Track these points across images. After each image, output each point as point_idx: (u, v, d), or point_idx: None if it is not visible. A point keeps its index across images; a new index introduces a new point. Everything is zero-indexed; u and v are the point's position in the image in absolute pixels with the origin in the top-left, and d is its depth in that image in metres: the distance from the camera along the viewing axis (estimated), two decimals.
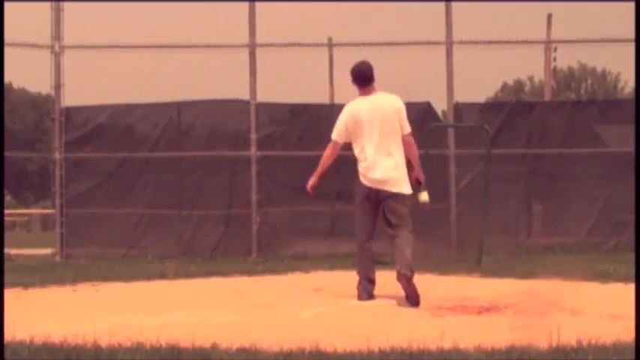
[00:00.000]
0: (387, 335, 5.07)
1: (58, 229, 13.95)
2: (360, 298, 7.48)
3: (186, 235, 13.98)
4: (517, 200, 14.18)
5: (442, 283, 9.00)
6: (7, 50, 12.78)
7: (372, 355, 4.66)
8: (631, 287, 7.41)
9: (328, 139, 7.80)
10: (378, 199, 7.49)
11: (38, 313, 6.99)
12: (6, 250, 12.52)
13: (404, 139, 7.52)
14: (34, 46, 14.17)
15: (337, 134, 7.73)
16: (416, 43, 14.51)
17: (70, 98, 14.31)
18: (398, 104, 7.59)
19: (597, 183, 13.99)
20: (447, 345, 4.84)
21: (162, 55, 14.78)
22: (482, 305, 7.00)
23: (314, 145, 11.67)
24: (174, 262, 12.06)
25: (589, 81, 60.05)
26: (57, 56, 13.93)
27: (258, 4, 14.23)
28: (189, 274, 10.52)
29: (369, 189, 7.50)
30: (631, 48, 12.99)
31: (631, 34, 12.81)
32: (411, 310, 6.85)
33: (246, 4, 14.18)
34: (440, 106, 14.82)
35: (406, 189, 7.49)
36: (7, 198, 44.13)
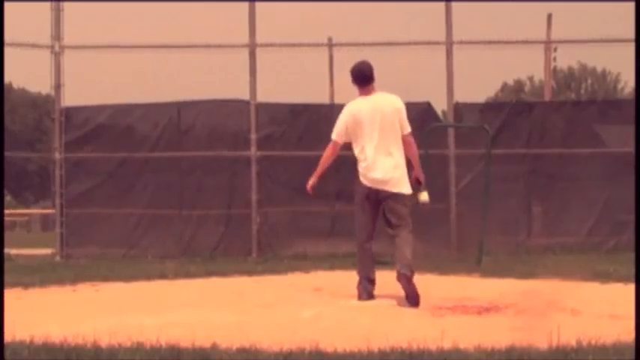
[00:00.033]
0: (387, 335, 5.07)
1: (58, 229, 13.94)
2: (360, 298, 7.47)
3: (186, 235, 13.97)
4: (517, 200, 14.16)
5: (442, 283, 8.99)
6: (7, 50, 12.78)
7: (372, 355, 4.66)
8: (631, 287, 7.40)
9: (328, 139, 7.79)
10: (378, 199, 7.49)
11: (38, 313, 6.98)
12: (6, 250, 12.51)
13: (404, 139, 7.52)
14: (34, 46, 14.15)
15: (337, 134, 7.73)
16: (416, 43, 14.50)
17: (70, 98, 14.33)
18: (398, 104, 7.59)
19: (597, 183, 13.97)
20: (447, 345, 4.83)
21: (163, 55, 14.79)
22: (482, 305, 6.99)
23: (314, 145, 11.66)
24: (174, 262, 12.05)
25: (589, 81, 60.00)
26: (57, 56, 13.92)
27: (258, 4, 14.21)
28: (189, 274, 10.50)
29: (369, 189, 7.49)
30: (631, 48, 12.99)
31: (631, 34, 12.81)
32: (411, 310, 6.84)
33: (246, 4, 14.16)
34: (440, 106, 14.84)
35: (406, 189, 7.49)
36: (7, 198, 44.10)
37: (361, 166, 7.52)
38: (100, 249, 13.66)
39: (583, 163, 14.02)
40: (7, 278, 8.70)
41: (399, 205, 7.44)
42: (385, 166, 7.43)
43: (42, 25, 14.15)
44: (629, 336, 4.95)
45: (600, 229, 13.89)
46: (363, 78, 7.66)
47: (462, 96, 14.52)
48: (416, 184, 7.62)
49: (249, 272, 10.88)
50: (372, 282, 7.53)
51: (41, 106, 51.65)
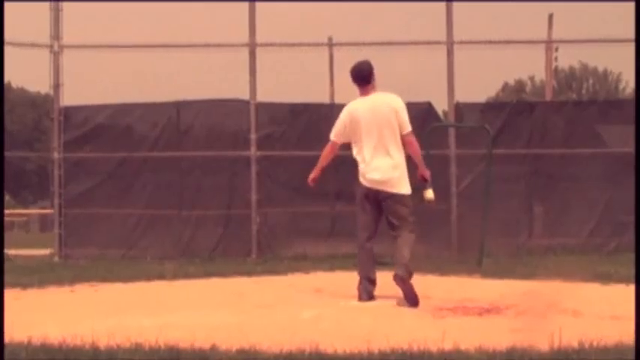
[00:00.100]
0: (387, 336, 5.05)
1: (57, 229, 13.90)
2: (360, 298, 7.46)
3: (186, 235, 13.92)
4: (518, 201, 14.13)
5: (443, 284, 8.99)
6: (5, 49, 12.72)
7: (372, 356, 4.64)
8: (633, 288, 7.36)
9: (328, 139, 7.80)
10: (378, 200, 7.47)
11: (36, 313, 6.97)
12: (4, 251, 12.46)
13: (404, 138, 7.48)
14: (33, 45, 14.09)
15: (335, 134, 7.75)
16: (416, 43, 14.46)
17: (69, 98, 14.29)
18: (395, 104, 7.54)
19: (599, 184, 13.92)
20: (447, 346, 4.81)
21: (162, 54, 14.76)
22: (483, 306, 6.97)
23: (314, 145, 11.60)
24: (173, 262, 12.01)
25: (590, 81, 59.96)
26: (56, 56, 13.87)
27: (258, 4, 14.17)
28: (188, 275, 10.48)
29: (369, 189, 7.50)
30: (633, 48, 12.95)
31: (633, 33, 12.77)
32: (411, 311, 6.83)
33: (246, 4, 14.11)
34: (440, 106, 14.77)
35: (406, 189, 7.47)
36: (6, 198, 44.00)
37: (360, 167, 7.51)
38: (99, 249, 13.61)
39: (584, 164, 13.98)
40: (5, 279, 8.64)
41: (399, 206, 7.44)
42: (383, 166, 7.41)
43: (41, 24, 14.13)
44: (631, 337, 4.92)
45: (602, 230, 13.85)
46: (362, 78, 7.64)
47: (462, 96, 14.50)
48: (421, 182, 7.58)
49: (249, 273, 10.85)
50: (372, 282, 7.52)
51: (40, 105, 51.67)
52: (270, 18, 15.65)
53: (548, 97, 16.45)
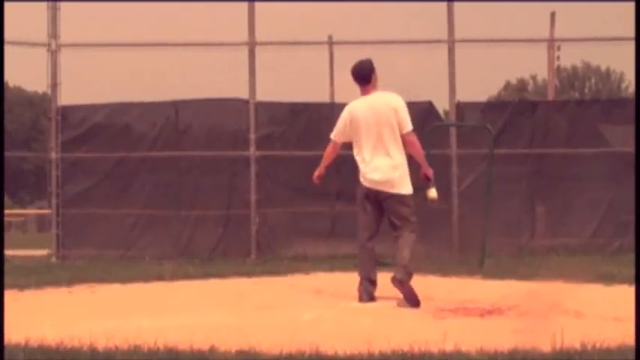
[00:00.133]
0: (388, 338, 5.02)
1: (54, 229, 13.86)
2: (360, 299, 7.43)
3: (184, 236, 13.88)
4: (520, 201, 14.11)
5: (444, 285, 8.98)
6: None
7: (372, 357, 4.62)
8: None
9: (328, 139, 7.83)
10: (379, 200, 7.45)
11: (34, 315, 6.95)
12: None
13: (404, 138, 7.44)
14: (30, 44, 14.08)
15: (335, 134, 7.77)
16: (417, 42, 14.48)
17: (67, 97, 14.25)
18: (394, 103, 7.49)
19: (601, 183, 13.90)
20: (448, 348, 4.79)
21: (160, 53, 14.79)
22: (484, 307, 6.93)
23: (314, 144, 11.60)
24: (171, 263, 11.98)
25: (593, 80, 59.93)
26: (53, 55, 13.82)
27: (257, 2, 14.12)
28: (187, 276, 10.46)
29: (369, 189, 7.48)
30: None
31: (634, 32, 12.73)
32: (412, 312, 6.82)
33: (245, 2, 14.07)
34: (442, 105, 14.73)
35: (406, 189, 7.45)
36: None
37: (360, 167, 7.50)
38: (97, 250, 13.57)
39: (587, 163, 13.95)
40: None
41: (400, 206, 7.42)
42: (383, 167, 7.39)
43: (38, 23, 14.11)
44: (634, 339, 4.89)
45: (604, 230, 13.82)
46: (363, 77, 7.62)
47: (464, 95, 14.47)
48: (424, 181, 7.53)
49: (248, 274, 10.84)
50: (373, 283, 7.50)
51: (37, 105, 51.73)
52: (269, 16, 15.62)
53: (551, 96, 16.41)
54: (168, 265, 11.45)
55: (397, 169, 7.38)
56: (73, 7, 15.09)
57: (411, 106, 7.97)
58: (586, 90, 58.46)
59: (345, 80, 7.81)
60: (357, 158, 7.49)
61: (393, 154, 7.37)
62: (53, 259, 13.61)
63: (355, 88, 7.64)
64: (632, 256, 10.70)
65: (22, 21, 19.79)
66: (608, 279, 9.12)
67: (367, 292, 7.41)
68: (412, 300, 7.03)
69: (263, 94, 14.23)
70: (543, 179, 14.14)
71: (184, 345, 4.84)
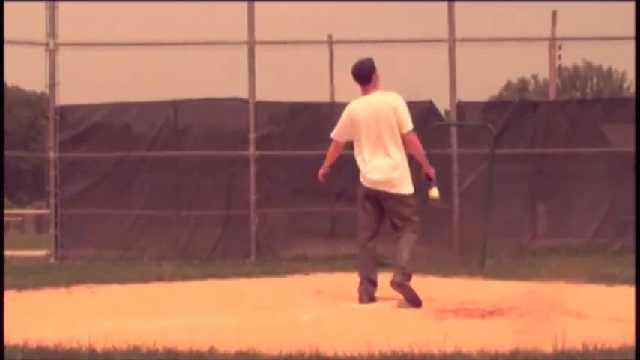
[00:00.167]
0: (388, 339, 4.99)
1: (53, 230, 13.84)
2: (360, 300, 7.40)
3: (184, 236, 13.86)
4: (521, 201, 14.11)
5: (444, 286, 8.97)
6: None
7: (372, 358, 4.61)
8: None
9: (328, 139, 7.85)
10: (379, 200, 7.44)
11: (32, 315, 6.95)
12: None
13: (404, 137, 7.40)
14: (28, 43, 14.05)
15: (336, 133, 7.76)
16: (418, 41, 14.45)
17: (65, 97, 14.20)
18: (394, 102, 7.45)
19: (603, 183, 13.89)
20: (449, 349, 4.77)
21: (159, 52, 14.78)
22: (485, 308, 6.90)
23: (314, 144, 11.58)
24: (171, 264, 11.95)
25: (594, 79, 59.92)
26: (52, 54, 13.80)
27: (257, 2, 14.09)
28: (186, 276, 10.45)
29: (369, 190, 7.46)
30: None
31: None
32: (412, 313, 6.79)
33: (245, 2, 14.04)
34: (442, 104, 14.72)
35: (407, 189, 7.42)
36: None
37: (360, 167, 7.48)
38: (96, 250, 13.55)
39: (588, 163, 13.94)
40: None
41: (401, 206, 7.40)
42: (383, 167, 7.36)
43: (37, 22, 14.10)
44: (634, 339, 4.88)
45: (606, 231, 13.81)
46: (363, 77, 7.60)
47: (464, 94, 14.51)
48: (426, 181, 7.50)
49: (248, 274, 10.82)
50: (373, 283, 7.47)
51: (36, 104, 51.80)
52: (269, 16, 15.59)
53: (552, 95, 16.39)
54: (167, 266, 11.43)
55: (397, 169, 7.35)
56: (72, 6, 15.03)
57: (412, 105, 7.95)
58: (587, 89, 58.46)
59: (346, 80, 7.80)
60: (358, 158, 7.47)
61: (393, 154, 7.34)
62: (52, 260, 13.59)
63: (356, 87, 7.62)
64: (633, 257, 10.69)
65: (21, 20, 19.76)
66: (609, 279, 9.10)
67: (367, 292, 7.38)
68: (413, 300, 7.01)
69: (263, 94, 14.23)
70: (544, 179, 14.13)
71: (183, 345, 4.82)
